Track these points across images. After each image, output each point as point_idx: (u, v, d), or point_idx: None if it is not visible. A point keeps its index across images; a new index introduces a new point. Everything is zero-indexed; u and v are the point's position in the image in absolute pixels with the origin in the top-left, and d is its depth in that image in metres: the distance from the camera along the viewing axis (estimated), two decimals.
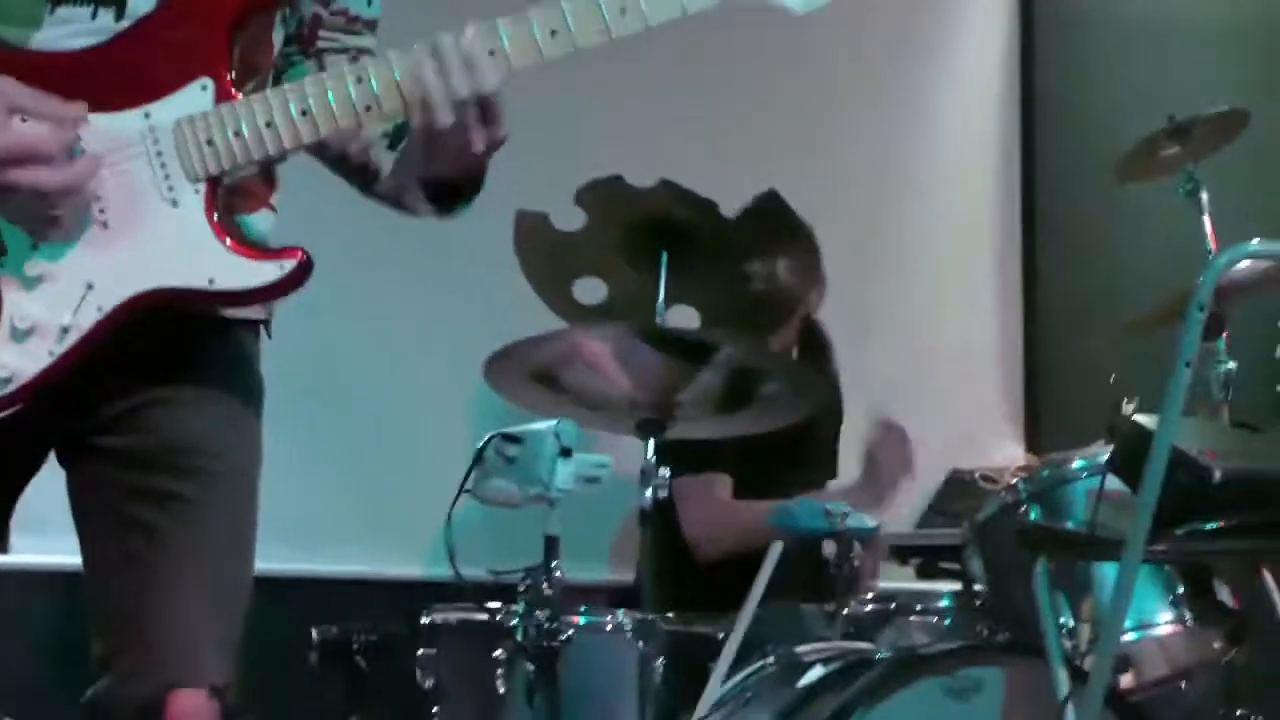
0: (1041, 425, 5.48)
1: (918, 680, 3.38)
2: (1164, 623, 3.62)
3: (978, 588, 3.79)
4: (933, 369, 4.71)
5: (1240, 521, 3.05)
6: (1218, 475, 3.03)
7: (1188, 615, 3.62)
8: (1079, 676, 3.22)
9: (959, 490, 4.47)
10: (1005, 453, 4.56)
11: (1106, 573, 3.22)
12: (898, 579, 4.50)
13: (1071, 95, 5.67)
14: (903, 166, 5.37)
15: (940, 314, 5.06)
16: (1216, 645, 3.78)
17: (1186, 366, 2.94)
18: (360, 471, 4.73)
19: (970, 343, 5.37)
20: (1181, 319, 2.95)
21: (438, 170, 2.37)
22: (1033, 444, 5.35)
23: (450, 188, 2.42)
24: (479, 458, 3.57)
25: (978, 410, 4.67)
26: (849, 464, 4.57)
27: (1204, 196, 4.17)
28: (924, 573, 4.44)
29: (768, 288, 3.99)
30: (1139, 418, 3.16)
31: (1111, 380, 3.88)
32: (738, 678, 3.66)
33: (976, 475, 4.32)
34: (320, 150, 2.44)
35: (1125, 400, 3.68)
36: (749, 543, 3.80)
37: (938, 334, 4.80)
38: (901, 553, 4.47)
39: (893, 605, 3.85)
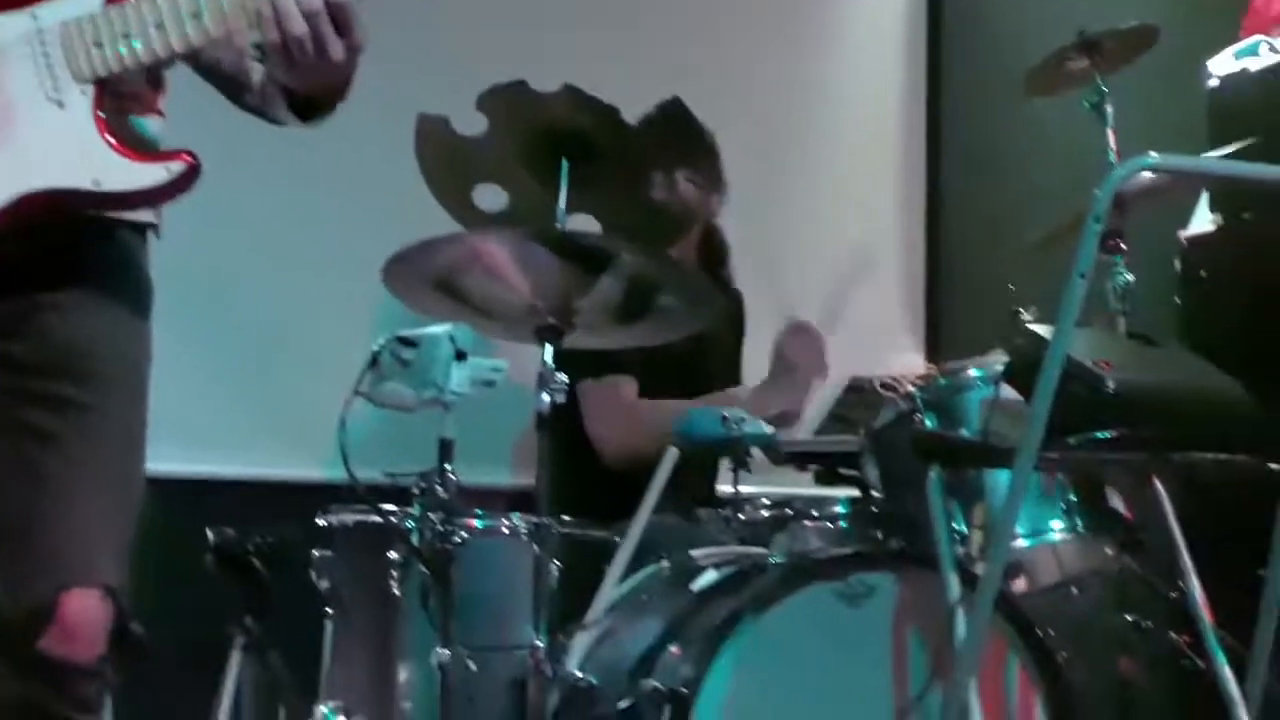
0: (941, 335, 5.51)
1: (809, 585, 3.40)
2: (1056, 530, 3.65)
3: (874, 495, 3.82)
4: (837, 275, 4.70)
5: (1132, 432, 3.09)
6: (1111, 385, 3.06)
7: (1080, 523, 3.65)
8: (970, 583, 3.25)
9: (858, 398, 4.46)
10: (905, 361, 4.57)
11: (1000, 481, 3.23)
12: (797, 485, 4.53)
13: (979, 8, 5.66)
14: (809, 79, 5.36)
15: (844, 224, 5.07)
16: (1108, 553, 3.82)
17: (1081, 278, 2.96)
18: (256, 373, 4.70)
19: (873, 253, 5.38)
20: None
21: (297, 80, 2.35)
22: (933, 354, 5.38)
23: (310, 98, 2.39)
24: (374, 360, 3.56)
25: (879, 319, 4.68)
26: (757, 370, 4.59)
27: (1109, 110, 4.17)
28: (822, 479, 4.46)
29: (669, 196, 3.99)
30: (1034, 327, 3.19)
31: (1010, 290, 3.89)
32: (632, 581, 3.69)
33: (875, 383, 4.32)
34: (194, 59, 2.40)
35: (1023, 311, 3.70)
36: (655, 442, 3.81)
37: (841, 244, 4.80)
38: (800, 459, 4.49)
39: (788, 511, 3.87)
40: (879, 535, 3.78)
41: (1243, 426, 3.16)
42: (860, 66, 5.50)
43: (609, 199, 3.63)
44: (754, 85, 5.22)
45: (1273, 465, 3.20)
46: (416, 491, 3.56)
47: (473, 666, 3.52)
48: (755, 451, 4.10)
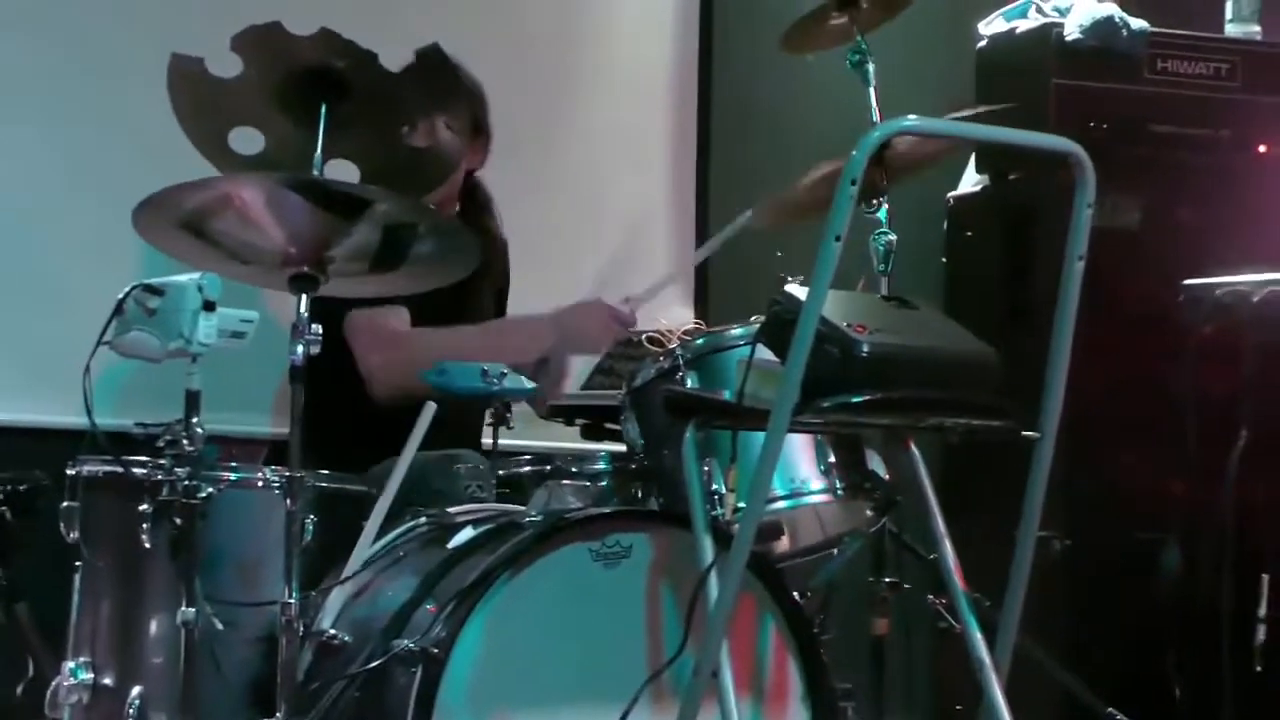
0: (711, 290, 5.50)
1: (565, 545, 3.38)
2: (815, 491, 3.65)
3: (635, 452, 3.80)
4: (605, 232, 4.68)
5: (886, 395, 3.09)
6: (865, 349, 3.06)
7: (839, 485, 3.66)
8: (725, 543, 3.24)
9: (626, 352, 4.45)
10: (675, 316, 4.55)
11: (756, 442, 3.21)
12: (563, 439, 4.51)
13: None
14: (581, 30, 5.31)
15: (615, 178, 5.04)
16: (867, 514, 3.84)
17: (837, 240, 2.95)
18: (5, 314, 4.58)
19: (644, 207, 5.36)
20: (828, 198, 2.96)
21: None
22: (702, 310, 5.37)
23: None
24: (119, 308, 3.47)
25: (649, 274, 4.65)
26: None
27: (870, 68, 4.16)
28: (588, 434, 4.44)
29: (428, 144, 3.92)
30: (790, 288, 3.17)
31: (779, 255, 3.88)
32: (388, 537, 3.64)
33: (643, 338, 4.31)
34: None
35: (789, 279, 3.69)
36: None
37: (612, 197, 4.77)
38: (566, 413, 4.47)
39: (548, 467, 3.84)
40: (638, 494, 3.77)
41: (993, 392, 3.17)
42: (631, 19, 5.46)
43: (367, 144, 3.55)
44: (525, 37, 5.16)
45: (1023, 432, 3.21)
46: (160, 444, 3.48)
47: (219, 624, 3.46)
48: (522, 405, 4.08)
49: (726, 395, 3.38)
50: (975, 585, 3.59)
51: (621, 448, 3.89)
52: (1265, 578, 4.25)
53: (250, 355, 3.67)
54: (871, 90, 4.16)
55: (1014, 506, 3.30)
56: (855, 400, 3.04)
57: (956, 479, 4.68)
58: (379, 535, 3.58)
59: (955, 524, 3.53)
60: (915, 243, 4.59)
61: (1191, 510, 4.48)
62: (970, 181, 5.27)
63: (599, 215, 5.08)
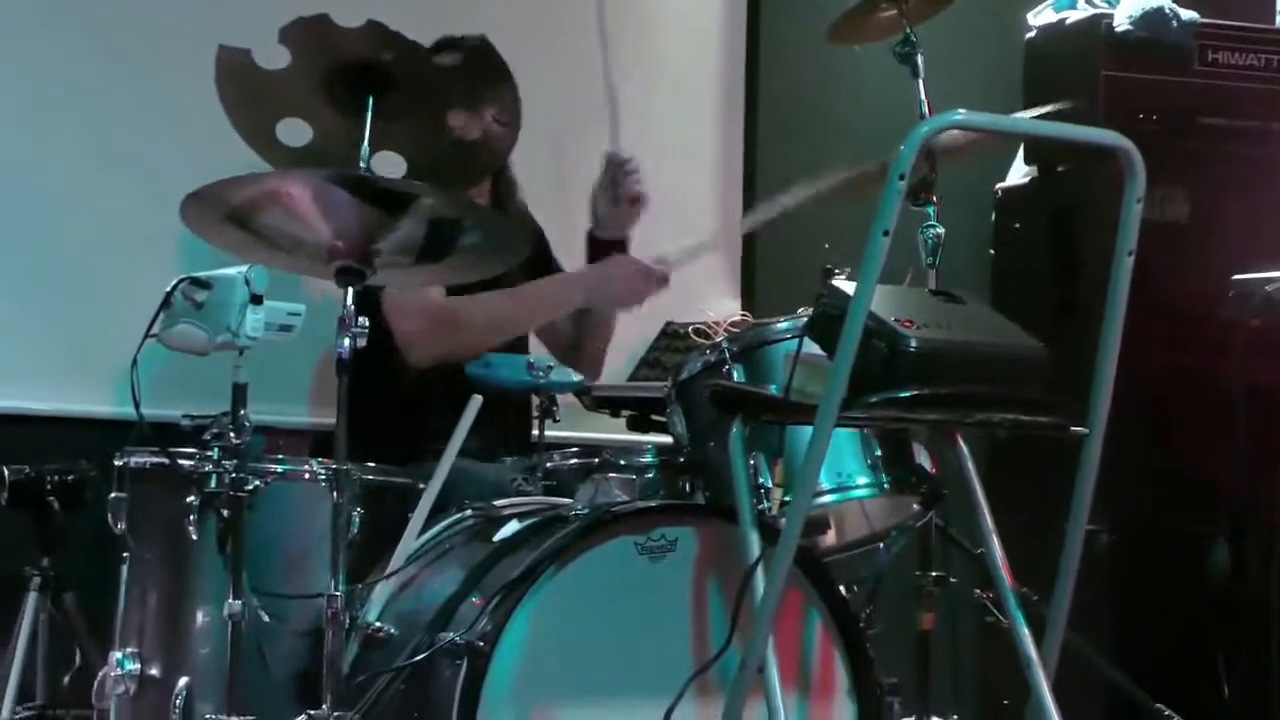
0: (759, 283, 5.49)
1: (611, 538, 3.38)
2: (862, 486, 3.63)
3: (681, 445, 3.79)
4: (652, 222, 4.66)
5: (934, 390, 3.08)
6: (912, 343, 3.05)
7: (885, 479, 3.64)
8: (771, 538, 3.23)
9: (672, 343, 4.45)
10: (722, 309, 4.54)
11: (803, 436, 3.20)
12: (609, 431, 4.50)
13: None
14: (625, 23, 5.30)
15: (661, 169, 5.01)
16: (914, 509, 3.83)
17: (885, 235, 2.93)
18: (55, 306, 4.60)
19: (690, 198, 5.35)
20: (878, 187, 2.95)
21: None
22: (749, 302, 5.36)
23: None
24: (166, 301, 3.48)
25: (696, 265, 4.64)
26: None
27: (919, 60, 4.15)
28: (635, 426, 4.43)
29: (475, 137, 3.92)
30: (838, 283, 3.17)
31: (826, 248, 3.87)
32: (434, 530, 3.64)
33: (690, 330, 4.30)
34: None
35: (836, 269, 3.68)
36: (462, 341, 3.75)
37: (658, 188, 4.75)
38: (612, 405, 4.46)
39: (594, 460, 3.83)
40: (685, 487, 3.76)
41: (1041, 388, 3.16)
42: (678, 12, 5.45)
43: (414, 136, 3.57)
44: (568, 27, 5.16)
45: (1071, 427, 3.19)
46: (208, 437, 3.48)
47: (265, 616, 3.47)
48: (569, 397, 4.08)
49: (773, 389, 3.37)
50: (1022, 580, 3.58)
51: (668, 440, 3.88)
52: None
53: (291, 345, 3.67)
54: (919, 83, 4.14)
55: (1061, 500, 3.28)
56: (903, 396, 3.03)
57: (1004, 472, 4.66)
58: (424, 528, 3.58)
59: (1002, 518, 3.52)
60: (963, 235, 4.57)
61: (1241, 505, 4.46)
62: (1019, 173, 5.24)
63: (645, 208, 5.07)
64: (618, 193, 4.52)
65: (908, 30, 4.18)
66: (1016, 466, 4.57)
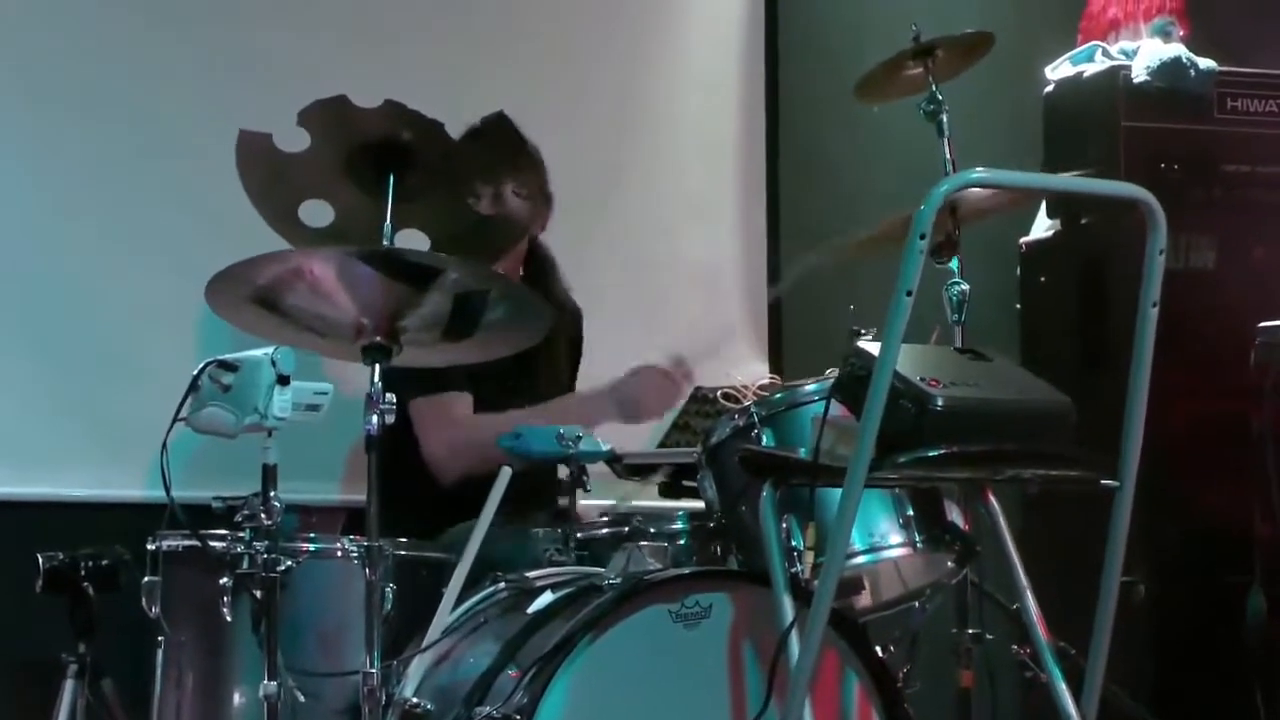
0: (785, 347, 5.49)
1: (645, 607, 3.37)
2: (895, 545, 3.62)
3: (712, 510, 3.79)
4: (678, 288, 4.68)
5: (961, 449, 3.07)
6: (939, 403, 3.05)
7: (918, 538, 3.63)
8: (805, 600, 3.22)
9: (701, 408, 4.45)
10: (750, 372, 4.55)
11: (834, 498, 3.19)
12: (641, 499, 4.50)
13: (817, 13, 5.65)
14: (645, 86, 5.32)
15: (685, 233, 5.04)
16: (948, 566, 3.81)
17: (908, 296, 2.94)
18: (85, 392, 4.62)
19: (715, 262, 5.36)
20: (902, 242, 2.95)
21: None
22: (777, 365, 5.36)
23: None
24: (194, 385, 3.49)
25: (723, 329, 4.65)
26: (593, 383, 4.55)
27: (944, 118, 4.15)
28: (666, 491, 4.43)
29: (496, 209, 3.94)
30: (864, 344, 3.17)
31: (851, 309, 3.87)
32: (468, 603, 3.64)
33: (718, 393, 4.30)
34: None
35: (861, 330, 3.68)
36: (491, 459, 3.76)
37: (682, 253, 4.77)
38: (643, 472, 4.46)
39: (626, 529, 3.83)
40: (717, 552, 3.76)
41: (1070, 442, 3.15)
42: (697, 75, 5.47)
43: (435, 213, 3.58)
44: (588, 96, 5.18)
45: (1102, 480, 3.18)
46: (238, 519, 3.49)
47: (301, 696, 3.47)
48: (600, 465, 4.08)
49: (802, 452, 3.36)
50: (1062, 632, 3.57)
51: (700, 505, 3.87)
52: None
53: (322, 423, 3.67)
54: (945, 141, 4.13)
55: (1097, 553, 3.27)
56: (931, 455, 3.03)
57: (1039, 526, 4.66)
58: (458, 602, 3.58)
59: (1038, 572, 3.51)
60: (989, 290, 4.58)
61: (1275, 552, 4.44)
62: (1042, 226, 5.24)
63: (669, 273, 5.09)
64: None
65: (934, 88, 4.17)
66: (1052, 520, 4.57)
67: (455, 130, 3.66)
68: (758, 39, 5.57)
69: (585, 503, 3.97)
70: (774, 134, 5.60)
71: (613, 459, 4.16)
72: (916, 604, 3.93)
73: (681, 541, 3.80)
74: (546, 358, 4.39)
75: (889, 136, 5.24)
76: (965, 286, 4.01)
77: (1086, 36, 5.28)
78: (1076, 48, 5.26)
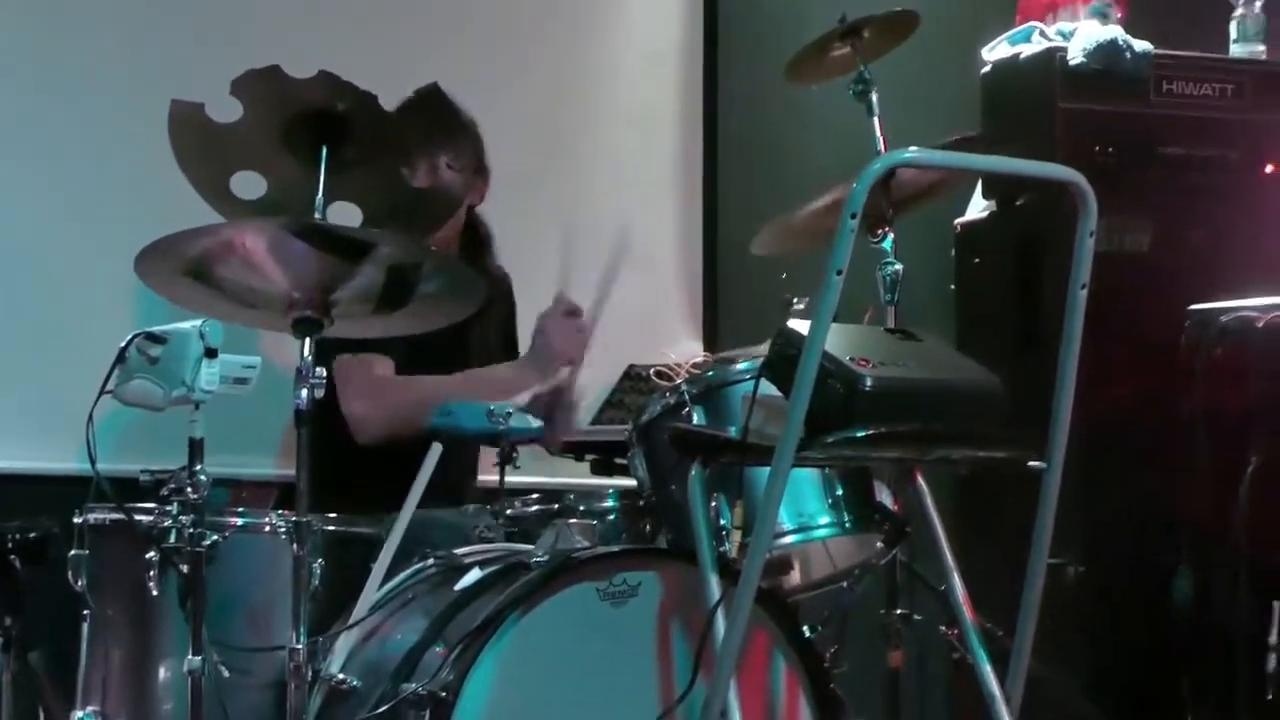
0: (720, 323, 5.49)
1: (572, 585, 3.37)
2: (824, 525, 3.63)
3: (643, 488, 3.79)
4: (607, 263, 4.65)
5: (890, 429, 3.07)
6: (868, 383, 3.05)
7: (847, 518, 3.63)
8: (733, 579, 3.22)
9: (635, 386, 4.45)
10: (684, 349, 4.54)
11: (762, 477, 3.19)
12: (573, 475, 4.50)
13: None
14: (584, 60, 5.31)
15: (622, 209, 5.02)
16: (877, 546, 3.82)
17: (838, 275, 2.93)
18: (14, 363, 4.61)
19: (651, 238, 5.34)
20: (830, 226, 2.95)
21: None
22: (711, 342, 5.36)
23: None
24: (121, 357, 3.47)
25: (658, 306, 4.64)
26: None
27: (874, 98, 4.15)
28: (598, 469, 4.43)
29: (430, 183, 3.91)
30: (792, 324, 3.16)
31: (783, 278, 3.87)
32: (397, 580, 3.63)
33: (652, 371, 4.30)
34: None
35: (794, 299, 3.69)
36: (410, 421, 3.75)
37: (618, 229, 4.74)
38: (575, 449, 4.45)
39: (556, 506, 3.83)
40: (647, 530, 3.76)
41: (999, 423, 3.16)
42: (637, 50, 5.46)
43: (369, 185, 3.55)
44: (526, 71, 5.17)
45: (1030, 462, 3.20)
46: (165, 492, 3.47)
47: (226, 672, 3.46)
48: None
49: (732, 431, 3.36)
50: (995, 613, 3.58)
51: (631, 483, 3.87)
52: (1276, 605, 4.22)
53: (257, 396, 3.66)
54: (875, 120, 4.14)
55: (1030, 533, 3.28)
56: (859, 435, 3.03)
57: (973, 505, 4.67)
58: (387, 578, 3.57)
59: (973, 550, 3.53)
60: (924, 270, 4.57)
61: (1204, 535, 4.45)
62: (978, 207, 5.24)
63: (603, 246, 5.07)
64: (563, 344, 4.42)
65: (862, 68, 4.17)
66: (986, 499, 4.57)
67: (390, 103, 3.64)
68: (697, 16, 5.57)
69: (516, 479, 3.95)
70: (712, 111, 5.60)
71: (545, 435, 4.17)
72: (845, 584, 3.94)
73: (612, 519, 3.80)
74: (480, 330, 4.37)
75: (829, 116, 5.23)
76: (899, 267, 4.00)
77: (1025, 17, 5.27)
78: (1015, 28, 5.26)
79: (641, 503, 3.78)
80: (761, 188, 5.48)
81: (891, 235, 3.97)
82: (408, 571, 3.66)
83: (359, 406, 4.19)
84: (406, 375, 4.24)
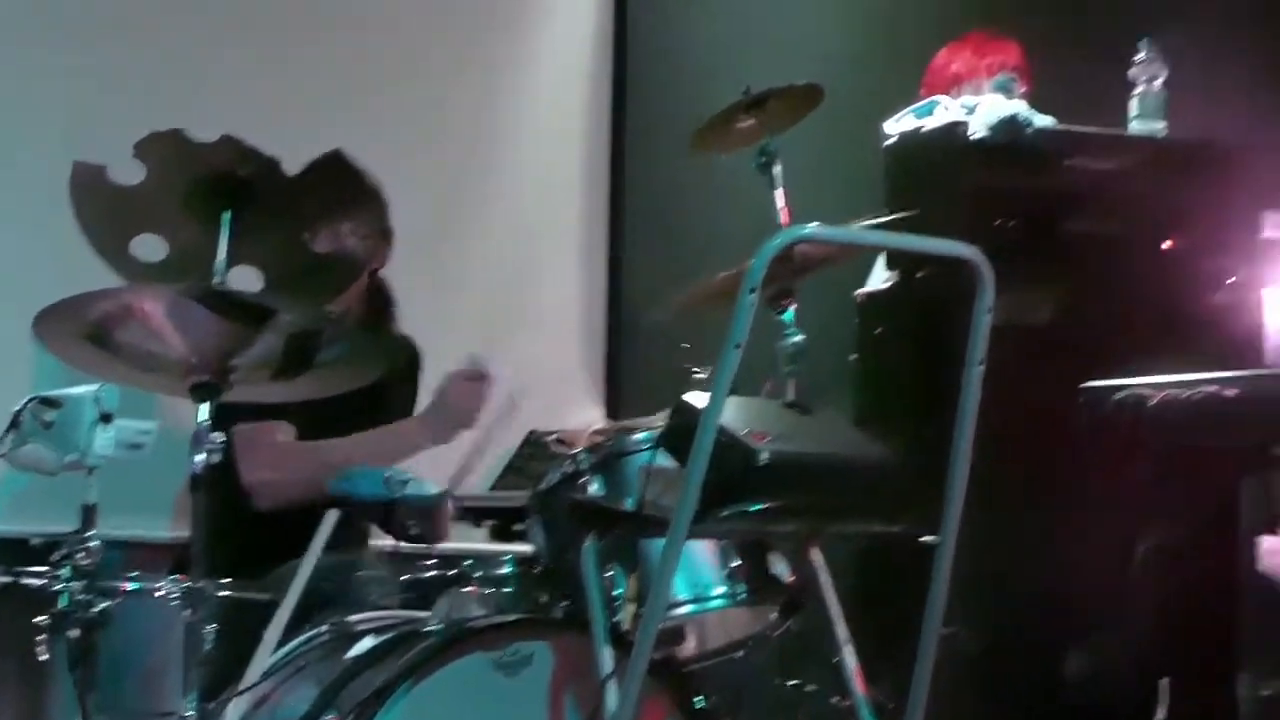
0: (622, 391, 5.50)
1: (465, 655, 3.37)
2: (719, 596, 3.63)
3: (541, 556, 3.78)
4: (518, 330, 4.68)
5: (785, 503, 3.10)
6: (763, 457, 3.06)
7: (742, 589, 3.64)
8: (628, 650, 3.23)
9: (535, 452, 4.45)
10: (585, 416, 4.55)
11: (658, 548, 3.20)
12: (473, 540, 4.48)
13: (663, 59, 5.68)
14: (492, 129, 5.34)
15: (526, 276, 5.05)
16: (771, 618, 3.83)
17: (736, 349, 2.95)
18: None
19: (555, 305, 5.37)
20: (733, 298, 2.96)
21: None
22: (614, 409, 5.37)
23: None
24: (15, 421, 3.45)
25: (561, 372, 4.65)
26: None
27: (776, 170, 4.16)
28: (497, 534, 4.42)
29: (332, 249, 3.92)
30: (690, 396, 3.18)
31: (685, 348, 3.88)
32: (289, 646, 3.62)
33: (552, 438, 4.30)
34: None
35: (696, 369, 3.70)
36: (309, 487, 3.74)
37: (524, 295, 4.77)
38: (475, 514, 4.44)
39: (454, 572, 3.82)
40: (543, 599, 3.75)
41: (892, 497, 3.18)
42: (544, 118, 5.48)
43: (271, 251, 3.55)
44: (434, 137, 5.18)
45: (922, 538, 3.22)
46: (56, 557, 3.45)
47: None
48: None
49: (629, 502, 3.37)
50: (891, 684, 3.58)
51: (529, 548, 3.87)
52: (1164, 681, 4.25)
53: (155, 457, 3.64)
54: (776, 194, 4.15)
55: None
56: (753, 510, 3.04)
57: (871, 575, 4.68)
58: (281, 643, 3.55)
59: (871, 620, 3.52)
60: (828, 340, 4.58)
61: (1095, 612, 4.49)
62: (880, 278, 5.27)
63: (509, 313, 5.10)
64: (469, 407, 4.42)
65: (766, 139, 4.19)
66: (883, 570, 4.59)
67: (295, 166, 3.64)
68: (605, 82, 5.60)
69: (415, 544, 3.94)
70: (618, 179, 5.62)
71: (436, 505, 4.15)
72: (740, 654, 3.94)
73: (509, 587, 3.79)
74: (381, 396, 4.36)
75: (737, 185, 5.25)
76: (800, 338, 4.02)
77: (930, 90, 5.30)
78: (919, 101, 5.30)
79: (539, 571, 3.77)
80: (667, 256, 5.50)
81: (794, 306, 3.98)
82: (301, 638, 3.64)
83: (257, 475, 4.17)
84: (305, 441, 4.23)
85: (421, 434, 4.34)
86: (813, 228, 3.16)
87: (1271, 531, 4.36)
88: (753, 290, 2.95)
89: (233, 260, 3.44)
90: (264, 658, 3.50)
